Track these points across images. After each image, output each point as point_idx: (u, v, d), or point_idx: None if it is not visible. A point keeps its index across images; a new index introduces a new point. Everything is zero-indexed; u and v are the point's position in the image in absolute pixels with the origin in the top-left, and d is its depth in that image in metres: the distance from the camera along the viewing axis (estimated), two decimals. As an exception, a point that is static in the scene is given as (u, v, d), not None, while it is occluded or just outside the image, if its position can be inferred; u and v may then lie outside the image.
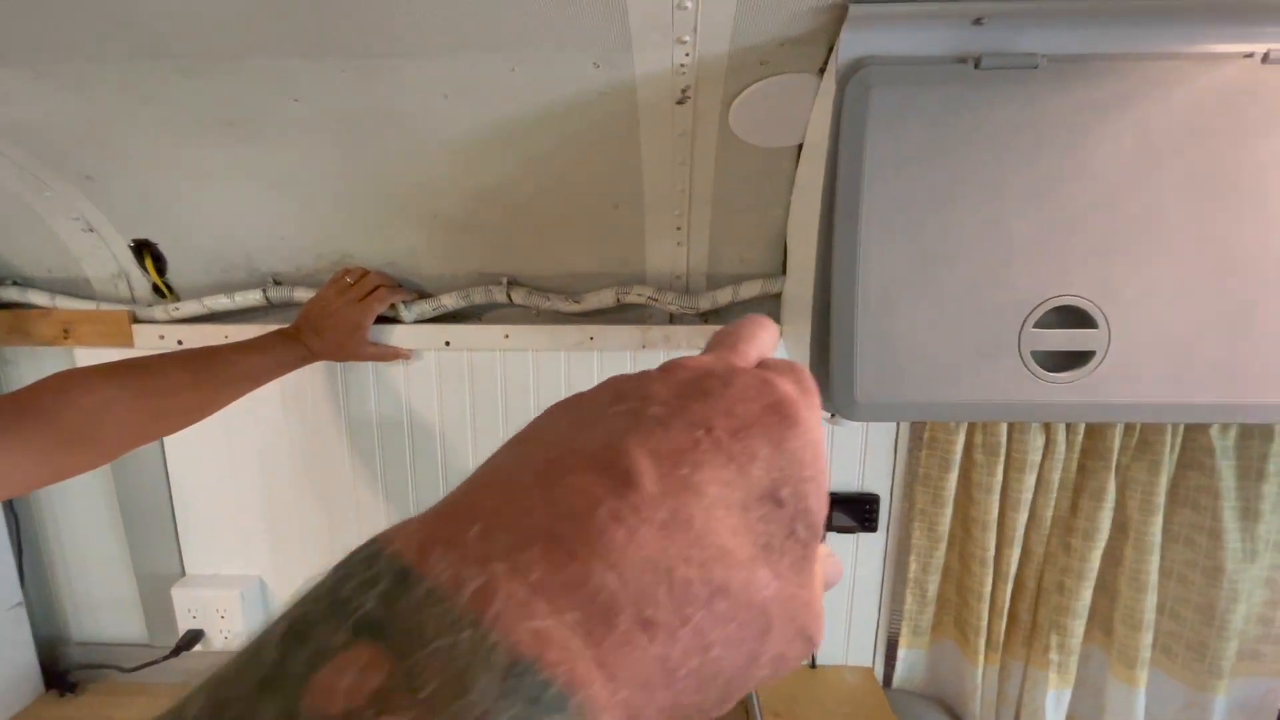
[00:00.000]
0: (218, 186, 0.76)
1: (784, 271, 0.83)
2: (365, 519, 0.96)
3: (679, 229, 0.80)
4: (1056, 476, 0.85)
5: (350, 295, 0.80)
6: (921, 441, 0.90)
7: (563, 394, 0.20)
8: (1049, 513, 0.87)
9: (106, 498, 0.97)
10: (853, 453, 0.92)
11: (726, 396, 0.18)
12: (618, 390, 0.19)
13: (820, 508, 0.18)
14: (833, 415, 0.60)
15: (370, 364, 0.90)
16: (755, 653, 0.16)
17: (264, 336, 0.76)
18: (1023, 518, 0.87)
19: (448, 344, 0.87)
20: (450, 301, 0.85)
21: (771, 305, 0.86)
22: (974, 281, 0.50)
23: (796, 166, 0.71)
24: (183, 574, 0.98)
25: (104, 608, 1.02)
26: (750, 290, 0.83)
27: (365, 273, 0.82)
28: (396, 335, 0.86)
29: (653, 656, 0.14)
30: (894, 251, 0.50)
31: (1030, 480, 0.85)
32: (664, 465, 0.16)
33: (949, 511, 0.89)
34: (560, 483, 0.16)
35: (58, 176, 0.76)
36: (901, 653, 0.98)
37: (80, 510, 0.98)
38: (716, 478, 0.16)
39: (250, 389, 0.70)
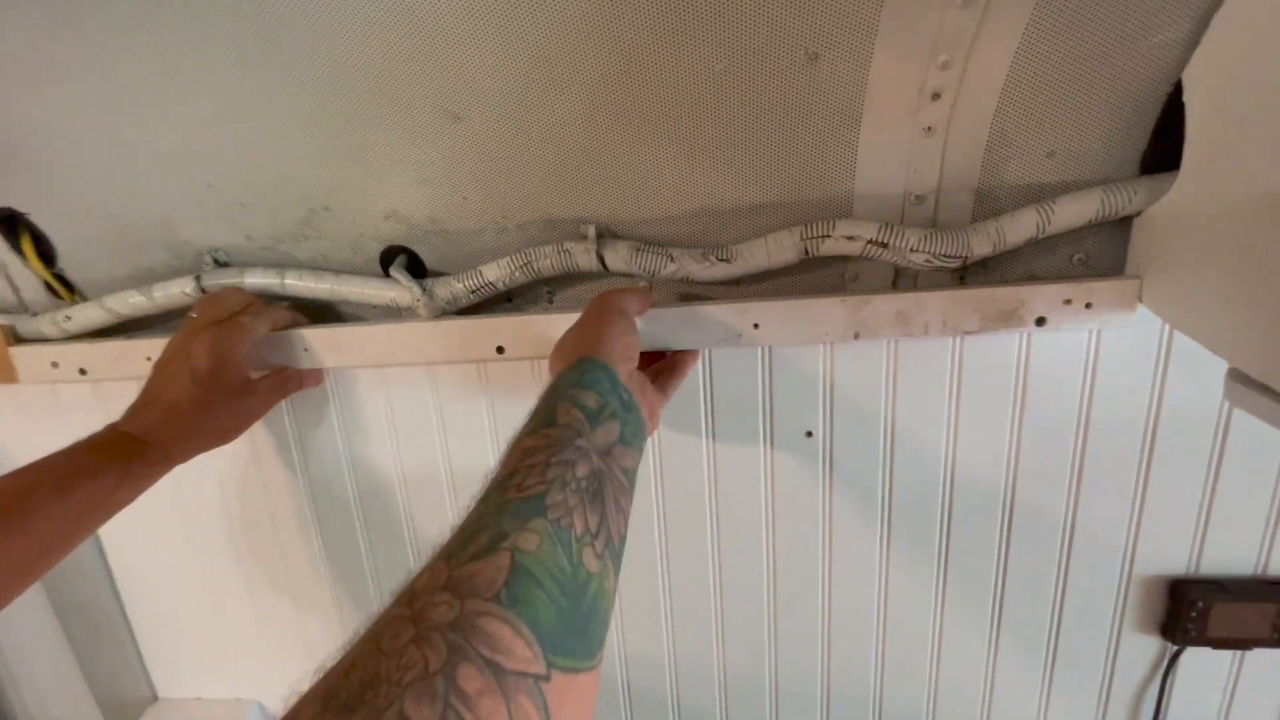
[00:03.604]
0: (96, 109, 0.42)
1: (1154, 168, 0.41)
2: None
3: (936, 97, 0.39)
4: None
5: (206, 320, 0.48)
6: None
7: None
8: None
9: (48, 612, 0.67)
10: (1238, 494, 0.48)
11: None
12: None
13: None
14: None
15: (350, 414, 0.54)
16: None
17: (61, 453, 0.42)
18: None
19: (501, 351, 0.50)
20: (497, 275, 0.48)
21: (1115, 240, 0.44)
22: None
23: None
24: (155, 698, 0.68)
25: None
26: (1075, 213, 0.41)
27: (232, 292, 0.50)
28: (409, 338, 0.50)
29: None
30: None
31: None
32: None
33: None
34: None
35: None
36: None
37: (21, 628, 0.69)
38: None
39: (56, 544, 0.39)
